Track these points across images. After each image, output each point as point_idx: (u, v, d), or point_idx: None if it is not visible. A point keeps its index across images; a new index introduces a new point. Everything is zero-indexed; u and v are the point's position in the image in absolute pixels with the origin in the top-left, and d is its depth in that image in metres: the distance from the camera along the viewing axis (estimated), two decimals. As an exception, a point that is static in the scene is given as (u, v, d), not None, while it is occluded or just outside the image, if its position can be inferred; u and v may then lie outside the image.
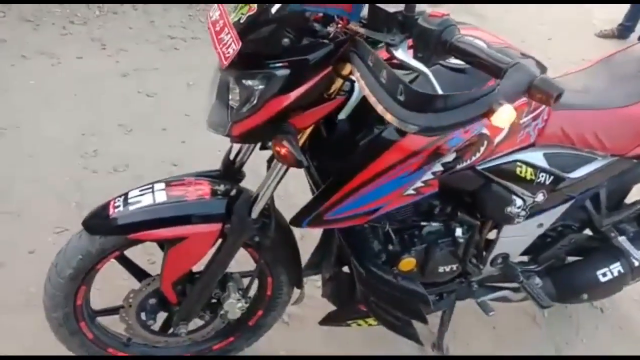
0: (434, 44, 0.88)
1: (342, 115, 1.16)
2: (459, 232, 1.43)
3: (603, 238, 1.64)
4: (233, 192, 1.27)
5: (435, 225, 1.41)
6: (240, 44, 0.95)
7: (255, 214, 1.23)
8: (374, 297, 1.38)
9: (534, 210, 1.43)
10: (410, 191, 1.19)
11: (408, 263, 1.40)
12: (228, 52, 0.97)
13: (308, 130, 1.12)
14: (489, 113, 0.79)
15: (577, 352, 1.93)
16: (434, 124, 0.83)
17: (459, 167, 1.23)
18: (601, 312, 2.09)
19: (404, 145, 1.10)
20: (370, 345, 1.80)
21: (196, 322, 1.48)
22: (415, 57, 0.92)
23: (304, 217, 1.20)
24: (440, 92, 0.86)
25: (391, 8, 0.91)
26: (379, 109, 0.87)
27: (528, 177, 1.34)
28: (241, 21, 0.99)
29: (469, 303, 1.92)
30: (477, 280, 1.63)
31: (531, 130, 1.31)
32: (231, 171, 1.35)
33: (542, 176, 1.35)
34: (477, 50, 0.85)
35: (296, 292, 1.54)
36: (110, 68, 3.05)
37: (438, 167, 1.17)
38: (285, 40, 0.98)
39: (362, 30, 0.95)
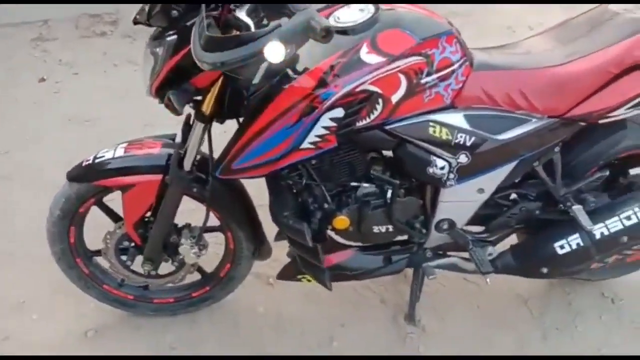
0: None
1: (255, 80, 1.34)
2: (389, 193, 1.50)
3: (563, 209, 1.57)
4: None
5: (367, 186, 1.51)
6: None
7: (187, 166, 1.45)
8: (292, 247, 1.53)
9: (467, 173, 1.44)
10: (307, 145, 1.32)
11: (342, 221, 1.51)
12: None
13: (216, 89, 1.31)
14: (262, 49, 0.93)
15: (565, 339, 1.83)
16: (219, 60, 1.03)
17: (360, 124, 1.32)
18: (612, 303, 1.94)
19: (283, 97, 1.25)
20: (342, 307, 1.91)
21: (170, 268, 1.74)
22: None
23: (216, 166, 1.39)
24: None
25: None
26: (192, 52, 1.07)
27: (444, 137, 1.38)
28: None
29: (457, 280, 1.93)
30: (431, 248, 1.66)
31: (442, 91, 1.35)
32: (187, 135, 1.58)
33: (461, 137, 1.38)
34: None
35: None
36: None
37: (327, 122, 1.28)
38: (174, 12, 1.21)
39: None
